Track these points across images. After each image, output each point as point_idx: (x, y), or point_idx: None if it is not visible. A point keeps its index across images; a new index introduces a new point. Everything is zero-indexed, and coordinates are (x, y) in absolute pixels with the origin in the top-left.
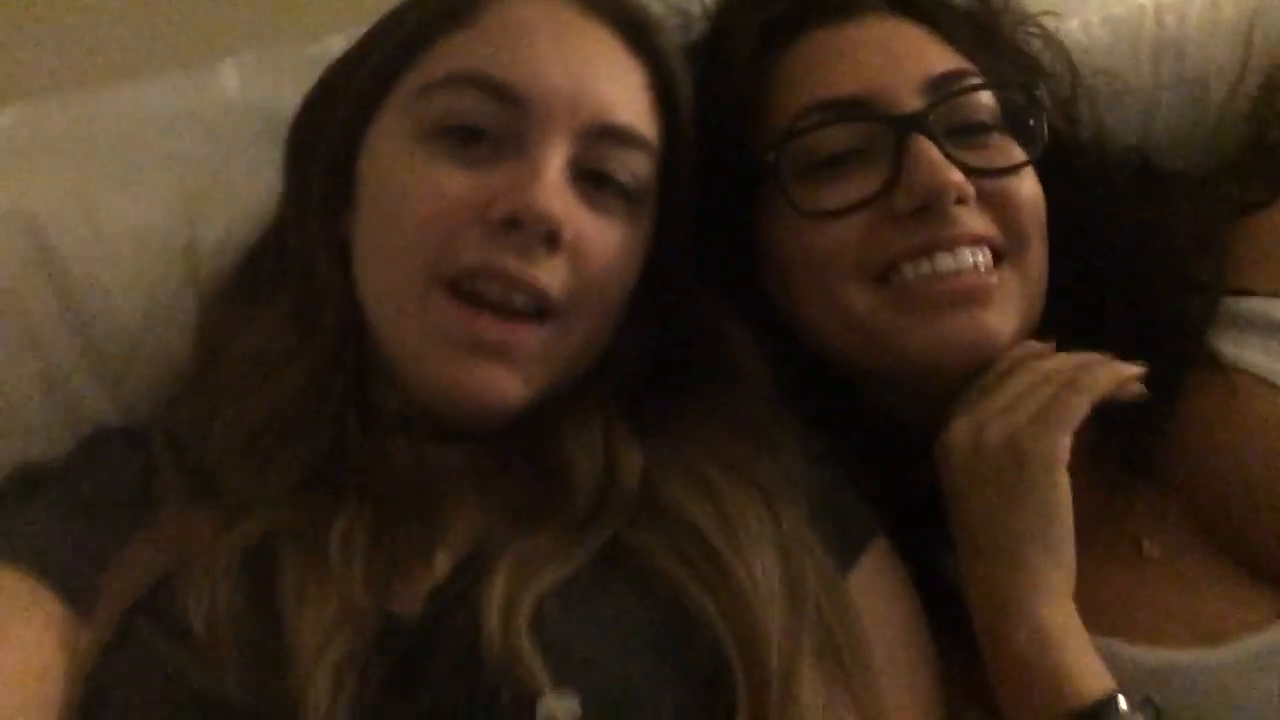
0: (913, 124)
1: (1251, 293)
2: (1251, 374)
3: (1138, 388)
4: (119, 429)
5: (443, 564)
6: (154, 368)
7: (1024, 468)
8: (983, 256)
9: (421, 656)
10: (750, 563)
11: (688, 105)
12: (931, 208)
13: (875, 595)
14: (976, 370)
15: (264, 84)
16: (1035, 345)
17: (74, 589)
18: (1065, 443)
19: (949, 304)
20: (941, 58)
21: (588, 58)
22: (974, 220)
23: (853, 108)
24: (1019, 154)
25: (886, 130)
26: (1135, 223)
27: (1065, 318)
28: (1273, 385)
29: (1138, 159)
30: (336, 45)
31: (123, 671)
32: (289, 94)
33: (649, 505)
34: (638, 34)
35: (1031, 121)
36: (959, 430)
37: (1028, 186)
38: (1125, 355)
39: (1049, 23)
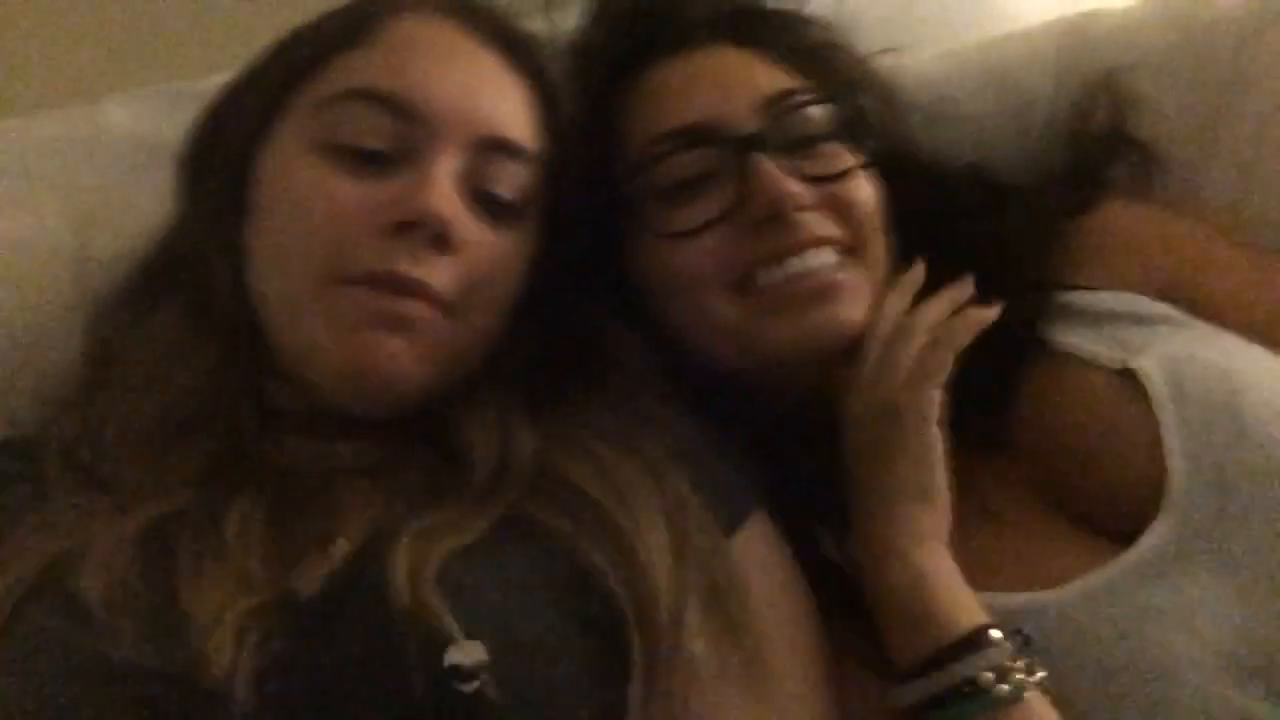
0: (751, 143)
1: (1074, 287)
2: (1076, 355)
3: (987, 317)
4: (4, 439)
5: (342, 548)
6: (39, 380)
7: (902, 422)
8: (829, 257)
9: (325, 621)
10: (638, 523)
11: (568, 122)
12: (776, 218)
13: (759, 558)
14: (831, 358)
15: (148, 117)
16: (907, 280)
17: None
18: (935, 396)
19: (802, 303)
20: (772, 79)
21: (477, 76)
22: (816, 224)
23: (696, 134)
24: (851, 159)
25: (728, 152)
26: (976, 228)
27: None
28: (1093, 364)
29: (974, 172)
30: (217, 82)
31: (17, 654)
32: (171, 126)
33: (543, 479)
34: (522, 54)
35: (859, 129)
36: (852, 401)
37: (863, 188)
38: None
39: (890, 58)
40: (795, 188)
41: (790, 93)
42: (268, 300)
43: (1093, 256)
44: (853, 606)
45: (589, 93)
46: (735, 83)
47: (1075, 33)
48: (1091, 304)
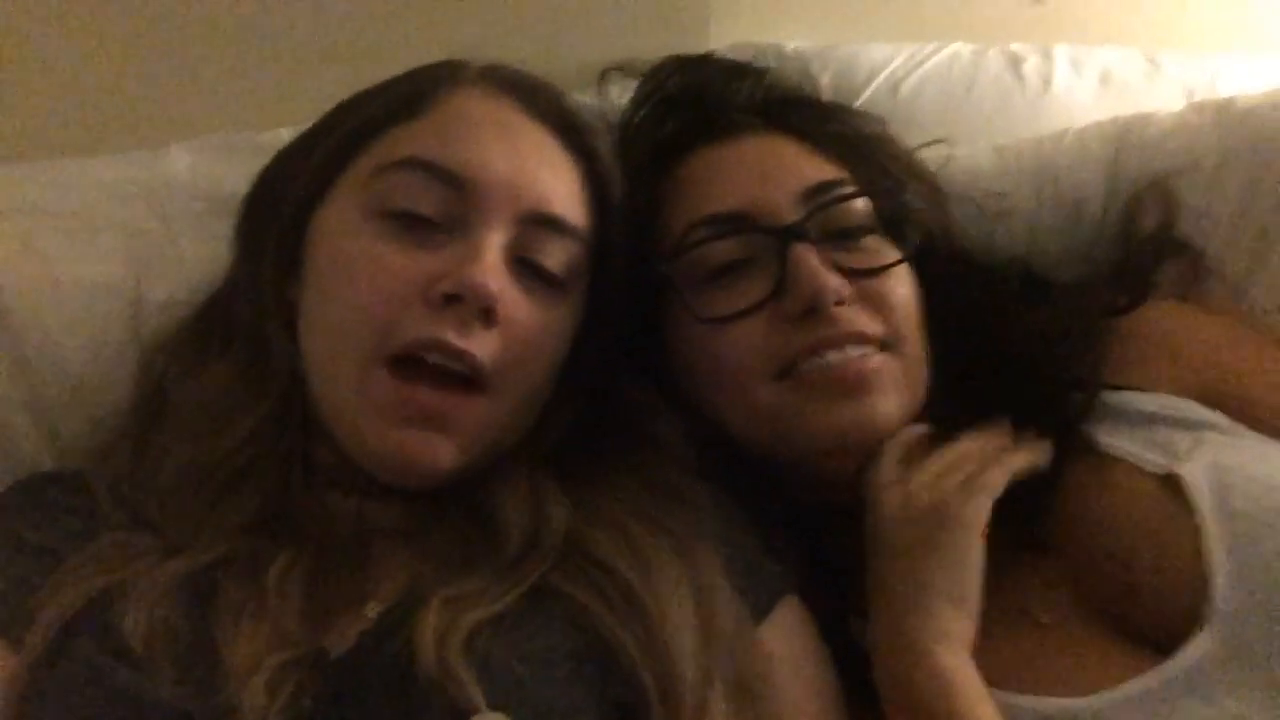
0: (792, 234)
1: (1122, 386)
2: (1121, 459)
3: (1043, 461)
4: (53, 472)
5: (374, 609)
6: (92, 415)
7: (947, 528)
8: (867, 349)
9: (354, 681)
10: (665, 603)
11: (619, 202)
12: (816, 311)
13: (787, 645)
14: (866, 451)
15: (211, 166)
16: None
17: (5, 622)
18: (987, 507)
19: (841, 392)
20: (816, 169)
21: (528, 152)
22: (854, 319)
23: (737, 221)
24: (893, 254)
25: (769, 240)
26: (1021, 324)
27: (955, 406)
28: (1139, 469)
29: (1021, 267)
30: (283, 136)
31: (58, 682)
32: (234, 176)
33: (573, 552)
34: (574, 135)
35: (902, 224)
36: (891, 494)
37: (902, 285)
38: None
39: (941, 149)
40: (834, 282)
41: (833, 184)
42: (315, 371)
43: (1137, 357)
44: (865, 686)
45: (634, 174)
46: (778, 171)
47: (1128, 135)
48: (1136, 405)
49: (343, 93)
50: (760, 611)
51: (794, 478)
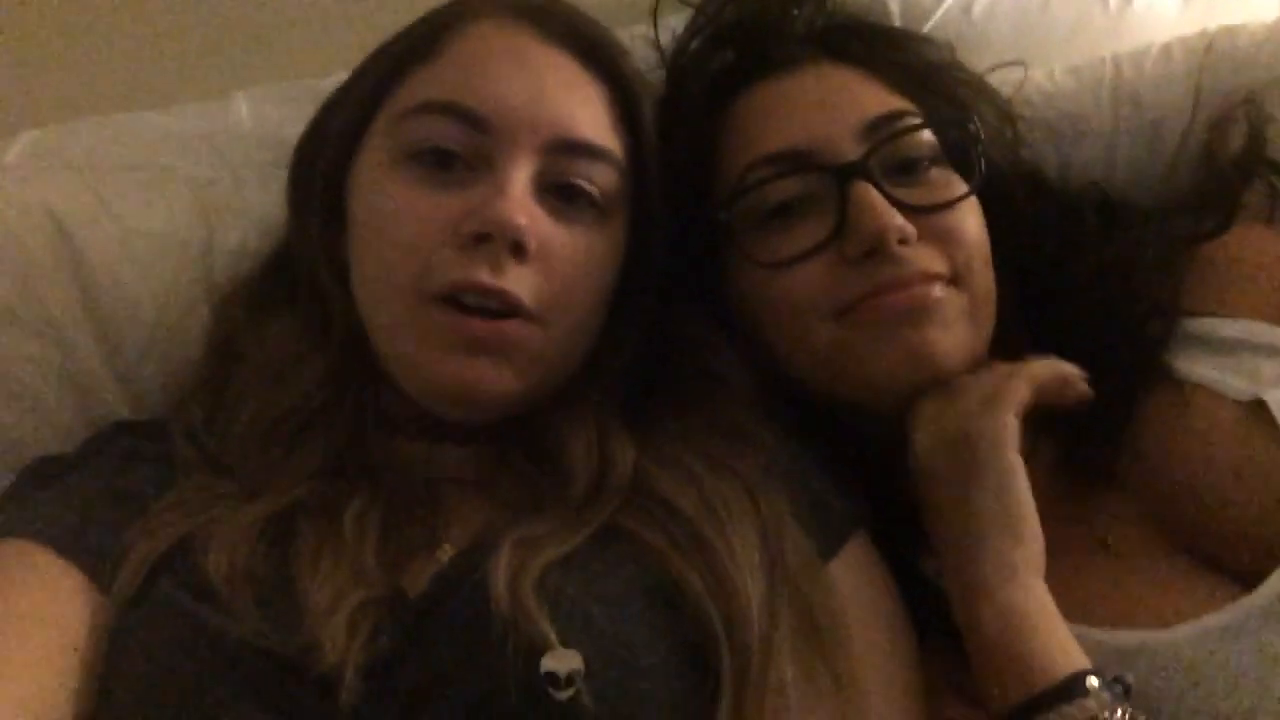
0: (853, 172)
1: (1203, 313)
2: (1203, 387)
3: (1081, 388)
4: (132, 421)
5: (447, 552)
6: (167, 365)
7: (975, 450)
8: (931, 286)
9: (430, 622)
10: (732, 544)
11: (650, 121)
12: (878, 251)
13: (856, 584)
14: (923, 387)
15: (273, 114)
16: None
17: (95, 564)
18: (1010, 422)
19: (897, 322)
20: (877, 101)
21: (546, 79)
22: (921, 257)
23: (795, 159)
24: (959, 187)
25: (829, 179)
26: (1097, 252)
27: (1025, 338)
28: (1221, 396)
29: (1098, 193)
30: (340, 80)
31: (144, 622)
32: (295, 124)
33: (639, 494)
34: (595, 54)
35: (969, 154)
36: (922, 430)
37: (969, 219)
38: (1091, 370)
39: (1016, 72)
40: (897, 220)
41: (896, 115)
42: (369, 315)
43: (1221, 283)
44: (953, 629)
45: (688, 112)
46: (838, 104)
47: (1215, 50)
48: (1220, 332)
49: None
50: (829, 551)
51: (859, 417)
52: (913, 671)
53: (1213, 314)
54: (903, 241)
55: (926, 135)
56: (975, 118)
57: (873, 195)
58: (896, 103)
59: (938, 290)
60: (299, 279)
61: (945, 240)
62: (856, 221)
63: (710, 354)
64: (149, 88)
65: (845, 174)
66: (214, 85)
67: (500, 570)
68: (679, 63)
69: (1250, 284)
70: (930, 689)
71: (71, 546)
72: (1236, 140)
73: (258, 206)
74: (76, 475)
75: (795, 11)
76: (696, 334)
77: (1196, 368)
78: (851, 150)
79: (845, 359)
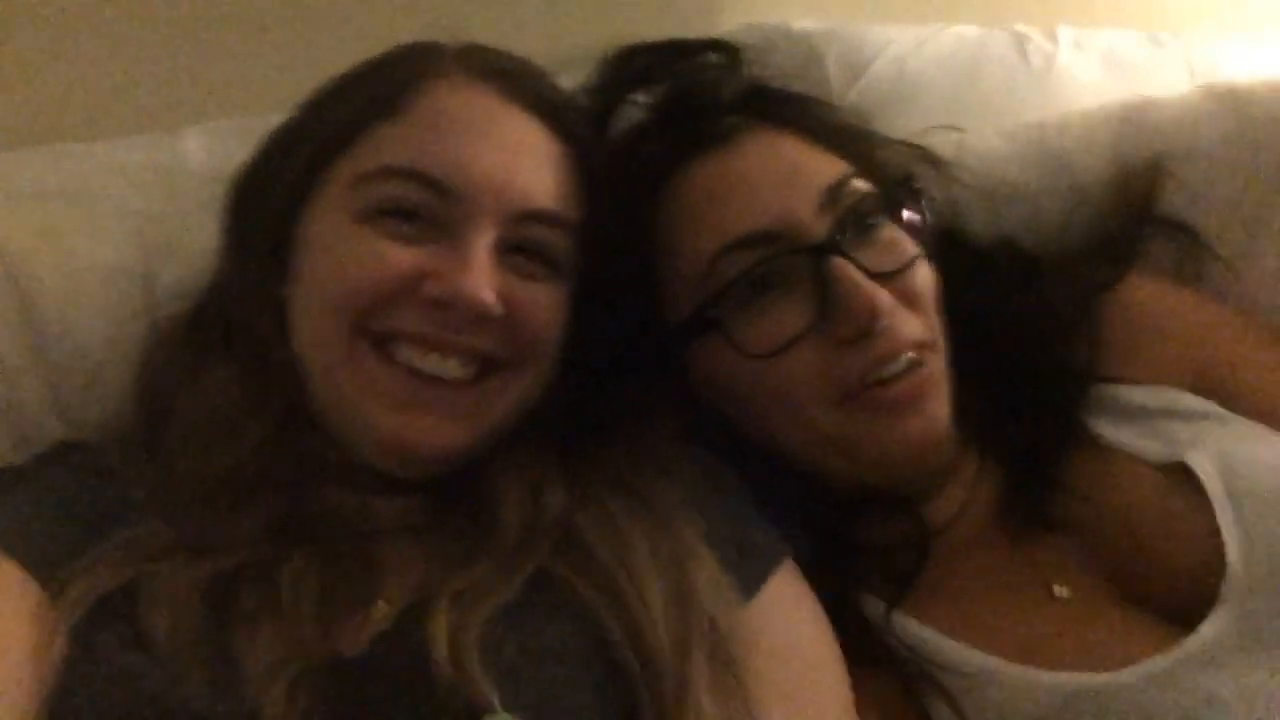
0: (829, 250)
1: (1117, 379)
2: (1123, 451)
3: None
4: (77, 441)
5: (382, 610)
6: (110, 399)
7: None
8: (914, 352)
9: (370, 685)
10: (642, 587)
11: (603, 177)
12: (869, 330)
13: (778, 621)
14: (933, 455)
15: (223, 150)
16: None
17: (48, 574)
18: None
19: (904, 410)
20: (825, 166)
21: (513, 146)
22: (902, 326)
23: (767, 242)
24: (911, 245)
25: (804, 259)
26: (1014, 306)
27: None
28: (1141, 460)
29: (1010, 247)
30: None
31: (86, 682)
32: (245, 160)
33: (565, 538)
34: (558, 117)
35: (914, 211)
36: None
37: (925, 274)
38: (1015, 424)
39: (953, 136)
40: (885, 298)
41: (846, 180)
42: (306, 359)
43: (1131, 346)
44: (878, 663)
45: (631, 200)
46: (792, 176)
47: (1133, 118)
48: (1134, 399)
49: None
50: (749, 589)
51: (835, 475)
52: (840, 696)
53: (1125, 380)
54: (888, 316)
55: (874, 197)
56: (917, 175)
57: (854, 274)
58: (841, 165)
59: (927, 369)
60: (235, 321)
61: (913, 301)
62: (845, 304)
63: (643, 395)
64: (97, 119)
65: (821, 253)
66: (163, 120)
67: (440, 629)
68: (615, 152)
69: (1159, 346)
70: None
71: (27, 555)
72: (1138, 195)
73: (202, 244)
74: (26, 487)
75: (714, 80)
76: (630, 380)
77: (1115, 433)
78: (816, 224)
79: (852, 445)
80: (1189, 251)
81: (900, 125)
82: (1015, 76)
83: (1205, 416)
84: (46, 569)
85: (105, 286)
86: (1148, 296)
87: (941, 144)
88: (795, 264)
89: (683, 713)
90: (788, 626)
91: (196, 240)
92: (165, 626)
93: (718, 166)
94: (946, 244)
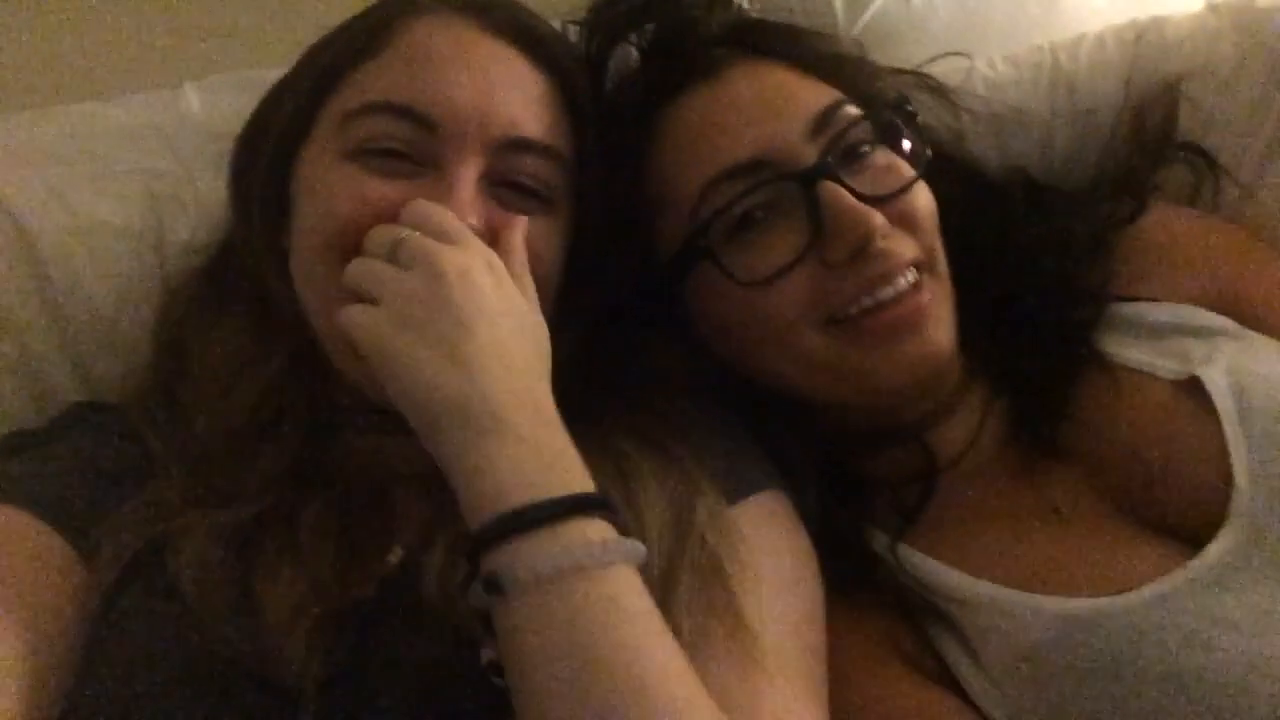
0: (818, 175)
1: (1132, 298)
2: (1134, 369)
3: None
4: (95, 403)
5: (398, 554)
6: (123, 354)
7: None
8: (913, 275)
9: (380, 627)
10: (643, 516)
11: (592, 110)
12: (862, 251)
13: (759, 531)
14: (932, 380)
15: (224, 105)
16: None
17: (77, 532)
18: None
19: (896, 334)
20: (814, 94)
21: (493, 76)
22: (897, 247)
23: (755, 170)
24: (907, 169)
25: (794, 185)
26: (1026, 233)
27: (972, 322)
28: (1153, 377)
29: (1024, 178)
30: None
31: (114, 633)
32: (246, 115)
33: None
34: (539, 47)
35: (910, 136)
36: None
37: (923, 197)
38: (1025, 350)
39: (961, 63)
40: (877, 219)
41: (836, 106)
42: (305, 305)
43: (1148, 268)
44: (885, 597)
45: (622, 137)
46: (779, 106)
47: (1144, 38)
48: (1149, 316)
49: None
50: (733, 497)
51: (833, 408)
52: (811, 624)
53: (1141, 299)
54: (882, 237)
55: (867, 122)
56: (909, 99)
57: (845, 197)
58: (831, 93)
59: (925, 294)
60: (244, 274)
61: (910, 223)
62: (836, 226)
63: (648, 344)
64: (98, 78)
65: (810, 179)
66: (165, 76)
67: (432, 572)
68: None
69: (1174, 269)
70: (872, 654)
71: (54, 513)
72: (1155, 125)
73: (208, 199)
74: (50, 447)
75: (704, 15)
76: (637, 332)
77: (1127, 351)
78: (806, 151)
79: (844, 369)
80: (1204, 174)
81: (908, 55)
82: (1024, 3)
83: (1221, 333)
84: (74, 528)
85: (115, 244)
86: (1163, 223)
87: (949, 72)
88: (786, 191)
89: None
90: (764, 539)
91: (201, 196)
92: (191, 575)
93: (704, 99)
94: (956, 172)
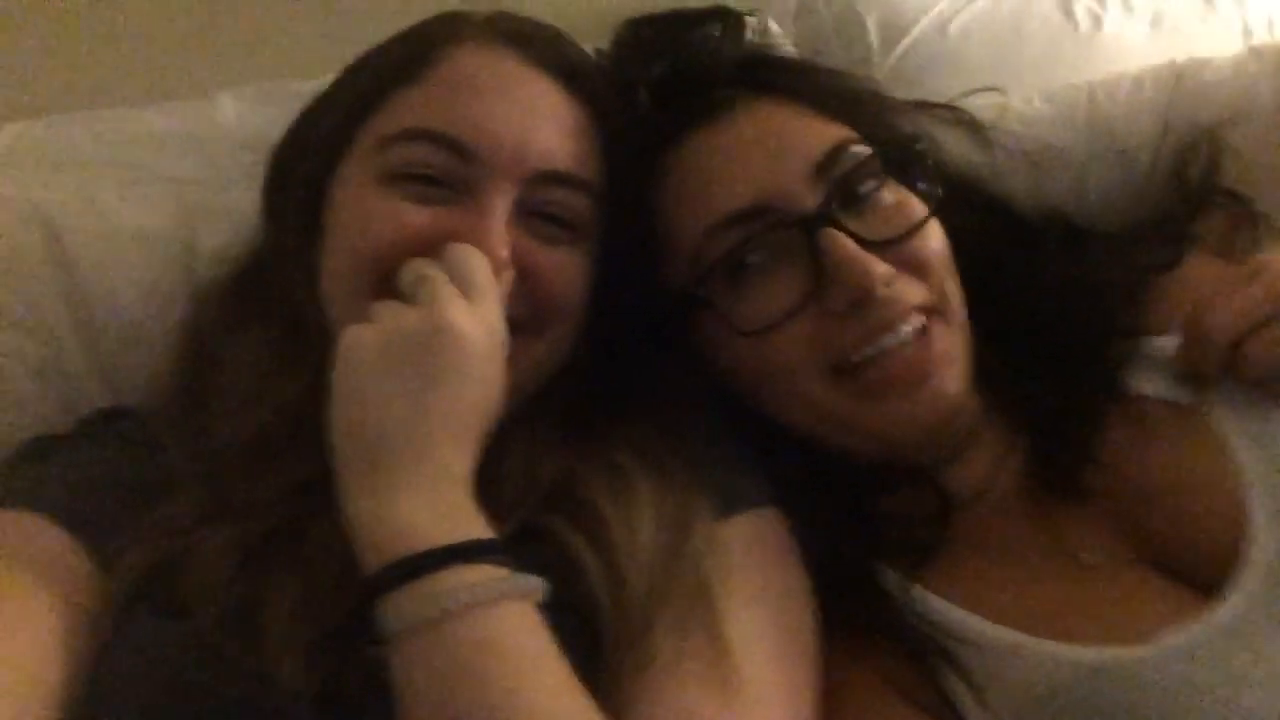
0: (819, 221)
1: (1152, 334)
2: (1156, 400)
3: None
4: (119, 409)
5: None
6: (149, 360)
7: None
8: (919, 321)
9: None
10: (635, 536)
11: (624, 146)
12: (864, 301)
13: (747, 548)
14: (944, 429)
15: (257, 115)
16: None
17: (96, 541)
18: None
19: (905, 386)
20: (819, 134)
21: (531, 108)
22: (902, 294)
23: (755, 217)
24: (917, 207)
25: (795, 232)
26: (1057, 278)
27: (996, 357)
28: (1175, 405)
29: (1062, 220)
30: (324, 84)
31: (122, 653)
32: (279, 125)
33: (566, 496)
34: (577, 79)
35: (920, 173)
36: None
37: (934, 238)
38: (1049, 390)
39: (996, 98)
40: (879, 268)
41: (842, 147)
42: (332, 318)
43: (1173, 310)
44: (889, 632)
45: (632, 174)
46: (783, 146)
47: (1183, 81)
48: (1165, 348)
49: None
50: (723, 512)
51: (842, 452)
52: (798, 651)
53: (1164, 333)
54: (885, 284)
55: (874, 161)
56: (922, 137)
57: (846, 244)
58: (837, 132)
59: (933, 342)
60: (273, 286)
61: (918, 267)
62: (837, 275)
63: (660, 367)
64: (132, 84)
65: (812, 224)
66: (198, 84)
67: None
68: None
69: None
70: (873, 689)
71: (75, 521)
72: (1196, 171)
73: (240, 208)
74: (73, 454)
75: (710, 53)
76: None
77: (1152, 384)
78: (808, 195)
79: (848, 418)
80: (1241, 221)
81: (943, 88)
82: (1061, 38)
83: None
84: (94, 539)
85: (145, 251)
86: (1195, 275)
87: (984, 107)
88: (786, 238)
89: (640, 653)
90: (752, 556)
91: (232, 205)
92: (196, 592)
93: (706, 142)
94: (983, 205)
